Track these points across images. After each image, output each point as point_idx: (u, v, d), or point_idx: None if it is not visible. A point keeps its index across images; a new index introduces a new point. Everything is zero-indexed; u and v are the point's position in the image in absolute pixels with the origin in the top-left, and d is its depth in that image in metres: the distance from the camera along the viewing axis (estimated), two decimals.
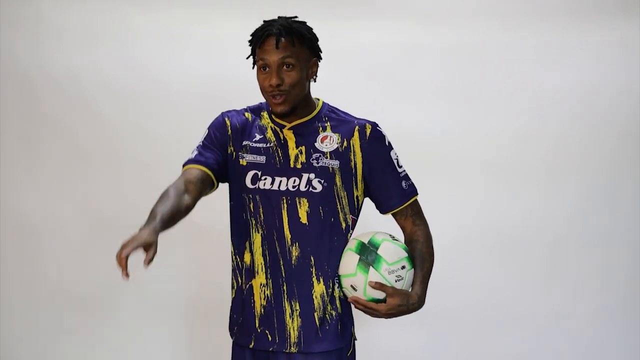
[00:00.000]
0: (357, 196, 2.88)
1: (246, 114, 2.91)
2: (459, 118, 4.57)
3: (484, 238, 4.58)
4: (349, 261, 2.82)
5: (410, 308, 2.81)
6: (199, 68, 4.54)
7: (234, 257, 2.94)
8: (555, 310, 4.61)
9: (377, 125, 2.87)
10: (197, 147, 2.89)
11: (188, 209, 2.71)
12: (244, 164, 2.86)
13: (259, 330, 2.90)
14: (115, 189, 4.60)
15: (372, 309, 2.79)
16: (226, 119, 2.89)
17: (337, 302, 2.88)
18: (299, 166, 2.81)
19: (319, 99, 2.93)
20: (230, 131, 2.88)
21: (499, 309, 4.61)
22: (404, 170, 2.92)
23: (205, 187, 2.80)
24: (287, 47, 2.76)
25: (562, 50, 4.54)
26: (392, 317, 2.81)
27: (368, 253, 2.79)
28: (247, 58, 2.87)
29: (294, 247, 2.81)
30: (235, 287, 2.95)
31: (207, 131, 2.90)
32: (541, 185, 4.59)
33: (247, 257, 2.88)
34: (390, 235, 2.88)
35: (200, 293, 4.57)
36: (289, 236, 2.81)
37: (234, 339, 3.00)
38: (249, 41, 2.84)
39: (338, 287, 2.84)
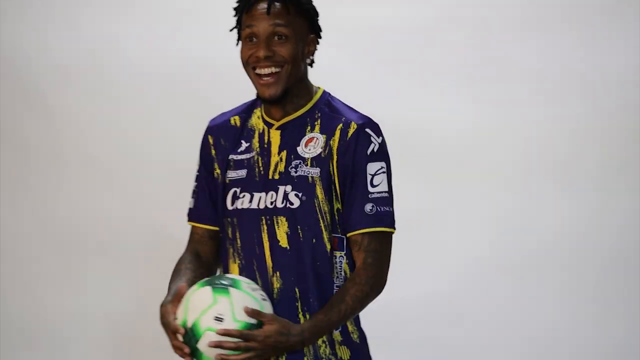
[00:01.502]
0: (337, 209, 2.63)
1: (233, 118, 2.73)
2: (495, 111, 4.35)
3: (519, 256, 4.33)
4: (201, 296, 2.53)
5: (291, 341, 2.50)
6: (177, 48, 4.38)
7: None
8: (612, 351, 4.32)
9: (368, 126, 2.62)
10: (193, 191, 2.78)
11: (210, 267, 2.73)
12: (228, 182, 2.69)
13: None
14: (81, 198, 4.42)
15: (248, 337, 2.47)
16: (209, 136, 2.74)
17: (338, 346, 2.62)
18: (276, 177, 2.61)
19: (319, 88, 2.70)
20: (214, 151, 2.72)
21: (540, 342, 4.34)
22: (383, 193, 2.62)
23: (217, 239, 2.73)
24: (280, 14, 2.58)
25: (623, 25, 4.30)
26: (267, 352, 2.50)
27: (218, 279, 2.56)
28: (231, 30, 2.67)
29: (274, 278, 2.60)
30: None
31: (198, 160, 2.77)
32: (597, 193, 4.35)
33: None
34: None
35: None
36: (270, 265, 2.60)
37: None
38: (235, 8, 2.65)
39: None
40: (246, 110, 2.73)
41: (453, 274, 4.26)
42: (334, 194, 2.61)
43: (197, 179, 2.77)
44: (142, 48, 4.38)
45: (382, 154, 2.63)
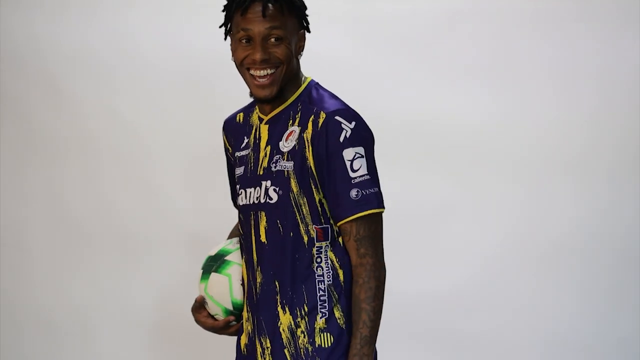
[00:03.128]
0: (319, 200, 2.63)
1: (238, 115, 2.81)
2: (511, 106, 4.34)
3: (533, 250, 4.31)
4: (218, 287, 2.76)
5: None
6: (186, 41, 4.34)
7: None
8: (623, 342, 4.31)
9: (338, 113, 2.60)
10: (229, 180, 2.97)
11: None
12: (236, 179, 2.78)
13: None
14: (88, 186, 4.39)
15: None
16: (223, 133, 2.86)
17: (317, 334, 2.62)
18: (260, 172, 2.67)
19: (306, 79, 2.71)
20: (229, 147, 2.84)
21: (553, 337, 4.32)
22: (364, 176, 2.59)
23: None
24: (275, 16, 2.59)
25: (638, 20, 4.26)
26: None
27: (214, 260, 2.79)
28: (220, 27, 2.68)
29: (257, 272, 2.67)
30: None
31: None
32: (611, 187, 4.34)
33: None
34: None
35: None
36: (255, 259, 2.67)
37: None
38: (225, 6, 2.65)
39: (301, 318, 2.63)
40: (249, 107, 2.77)
41: (469, 267, 4.24)
42: (312, 185, 2.60)
43: (227, 170, 2.88)
44: (154, 42, 4.36)
45: (358, 139, 2.59)
